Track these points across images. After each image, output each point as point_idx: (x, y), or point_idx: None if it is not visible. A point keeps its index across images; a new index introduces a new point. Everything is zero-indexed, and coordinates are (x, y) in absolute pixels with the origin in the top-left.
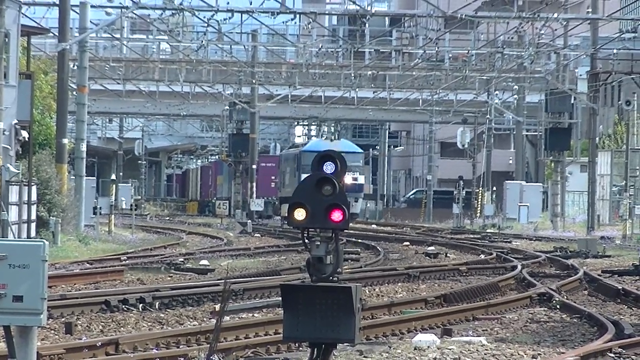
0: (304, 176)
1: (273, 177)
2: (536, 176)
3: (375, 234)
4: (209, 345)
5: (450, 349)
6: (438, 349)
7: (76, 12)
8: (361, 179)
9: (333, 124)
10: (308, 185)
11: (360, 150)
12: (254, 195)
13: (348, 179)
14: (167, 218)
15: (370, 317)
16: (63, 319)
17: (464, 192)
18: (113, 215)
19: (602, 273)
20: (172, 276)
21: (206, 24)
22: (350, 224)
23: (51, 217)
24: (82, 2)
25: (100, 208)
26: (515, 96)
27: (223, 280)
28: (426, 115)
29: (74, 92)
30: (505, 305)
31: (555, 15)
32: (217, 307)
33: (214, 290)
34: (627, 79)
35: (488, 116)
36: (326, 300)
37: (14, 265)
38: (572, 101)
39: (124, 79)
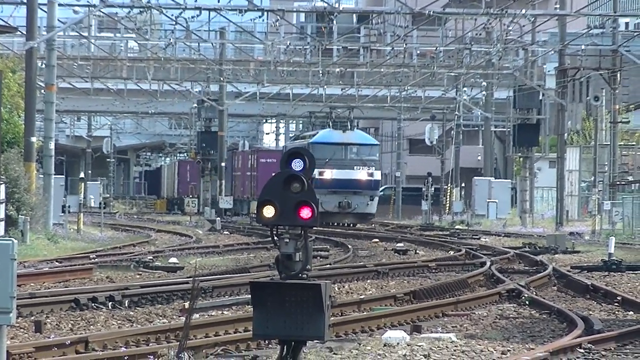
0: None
1: (274, 174)
2: (505, 172)
3: (344, 230)
4: (178, 343)
5: (419, 346)
6: (408, 345)
7: (44, 10)
8: (377, 175)
9: (301, 122)
10: (277, 183)
11: (376, 142)
12: (223, 193)
13: (363, 174)
14: (136, 216)
15: (340, 314)
16: (32, 318)
17: (433, 189)
18: (82, 214)
19: (571, 269)
20: (141, 274)
21: (174, 22)
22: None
23: (20, 216)
24: (50, 1)
25: (69, 206)
26: (484, 92)
27: (192, 278)
28: (394, 112)
29: (42, 91)
30: (475, 302)
31: (523, 11)
32: (187, 304)
33: (184, 288)
34: (595, 74)
35: (456, 112)
36: (295, 297)
37: None
38: (541, 97)
39: (92, 77)
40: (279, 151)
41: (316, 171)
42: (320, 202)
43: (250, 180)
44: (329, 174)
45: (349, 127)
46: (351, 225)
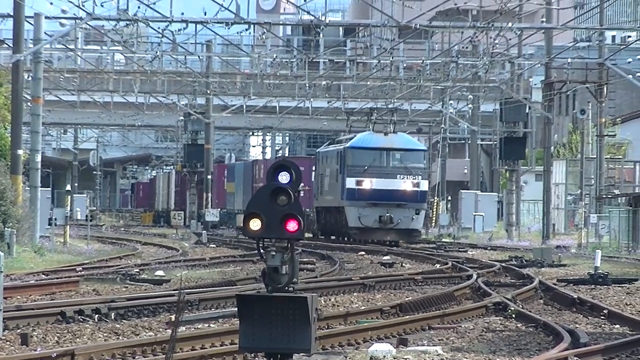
0: (349, 180)
1: (302, 184)
2: (491, 185)
3: (330, 243)
4: (164, 356)
5: (406, 359)
6: (394, 358)
7: (30, 23)
8: (424, 185)
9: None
10: (263, 195)
11: (423, 147)
12: (210, 206)
13: (407, 184)
14: (123, 229)
15: (326, 327)
16: (19, 330)
17: None
18: (68, 226)
19: (557, 282)
20: (127, 287)
21: (160, 35)
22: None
23: (6, 228)
24: (37, 14)
25: (56, 219)
26: (470, 105)
27: (178, 291)
28: (381, 125)
29: (29, 103)
30: (461, 315)
31: (510, 24)
32: (173, 317)
33: (170, 301)
34: (582, 88)
35: (443, 126)
36: (282, 310)
37: None
38: (527, 110)
39: (78, 89)
40: (308, 158)
41: (353, 180)
42: (357, 216)
43: None
44: (368, 183)
45: (392, 129)
46: (392, 243)
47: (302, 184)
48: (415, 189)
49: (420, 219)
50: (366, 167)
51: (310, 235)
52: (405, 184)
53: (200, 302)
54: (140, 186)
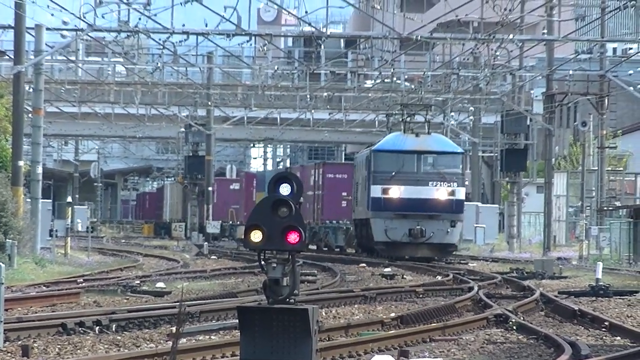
0: (374, 188)
1: (345, 194)
2: (492, 197)
3: (331, 255)
4: None
5: None
6: None
7: (31, 34)
8: (460, 193)
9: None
10: (264, 207)
11: (459, 150)
12: (210, 217)
13: (441, 192)
14: (123, 240)
15: (327, 338)
16: (19, 342)
17: None
18: (69, 238)
19: (558, 294)
20: (128, 299)
21: (161, 46)
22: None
23: (7, 240)
24: (38, 25)
25: (57, 230)
26: (471, 117)
27: (178, 303)
28: (382, 137)
29: (30, 115)
30: (462, 327)
31: (511, 36)
32: (174, 329)
33: (171, 313)
34: (583, 100)
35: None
36: (283, 322)
37: None
38: (528, 122)
39: (79, 101)
40: (349, 165)
41: (379, 188)
42: (384, 229)
43: (314, 200)
44: (396, 191)
45: (426, 129)
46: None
47: (344, 193)
48: (451, 197)
49: (457, 231)
50: (393, 173)
51: (353, 251)
52: (438, 192)
53: (201, 313)
54: (146, 196)
